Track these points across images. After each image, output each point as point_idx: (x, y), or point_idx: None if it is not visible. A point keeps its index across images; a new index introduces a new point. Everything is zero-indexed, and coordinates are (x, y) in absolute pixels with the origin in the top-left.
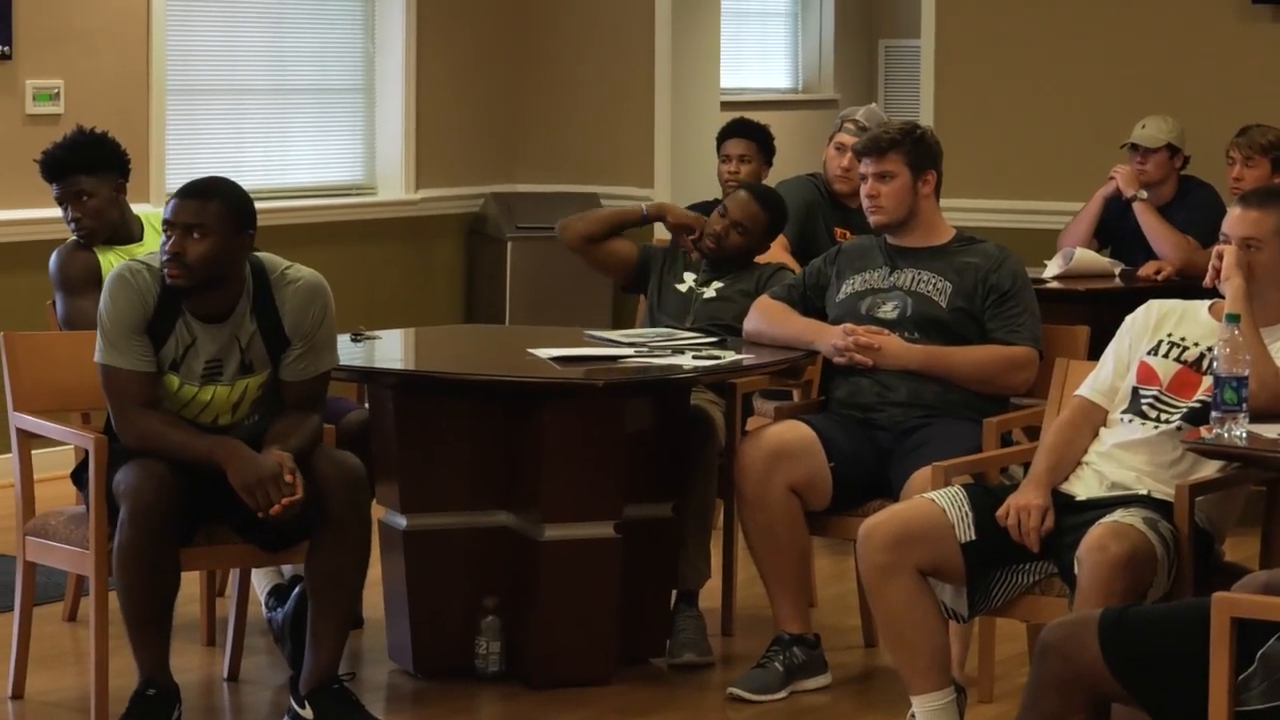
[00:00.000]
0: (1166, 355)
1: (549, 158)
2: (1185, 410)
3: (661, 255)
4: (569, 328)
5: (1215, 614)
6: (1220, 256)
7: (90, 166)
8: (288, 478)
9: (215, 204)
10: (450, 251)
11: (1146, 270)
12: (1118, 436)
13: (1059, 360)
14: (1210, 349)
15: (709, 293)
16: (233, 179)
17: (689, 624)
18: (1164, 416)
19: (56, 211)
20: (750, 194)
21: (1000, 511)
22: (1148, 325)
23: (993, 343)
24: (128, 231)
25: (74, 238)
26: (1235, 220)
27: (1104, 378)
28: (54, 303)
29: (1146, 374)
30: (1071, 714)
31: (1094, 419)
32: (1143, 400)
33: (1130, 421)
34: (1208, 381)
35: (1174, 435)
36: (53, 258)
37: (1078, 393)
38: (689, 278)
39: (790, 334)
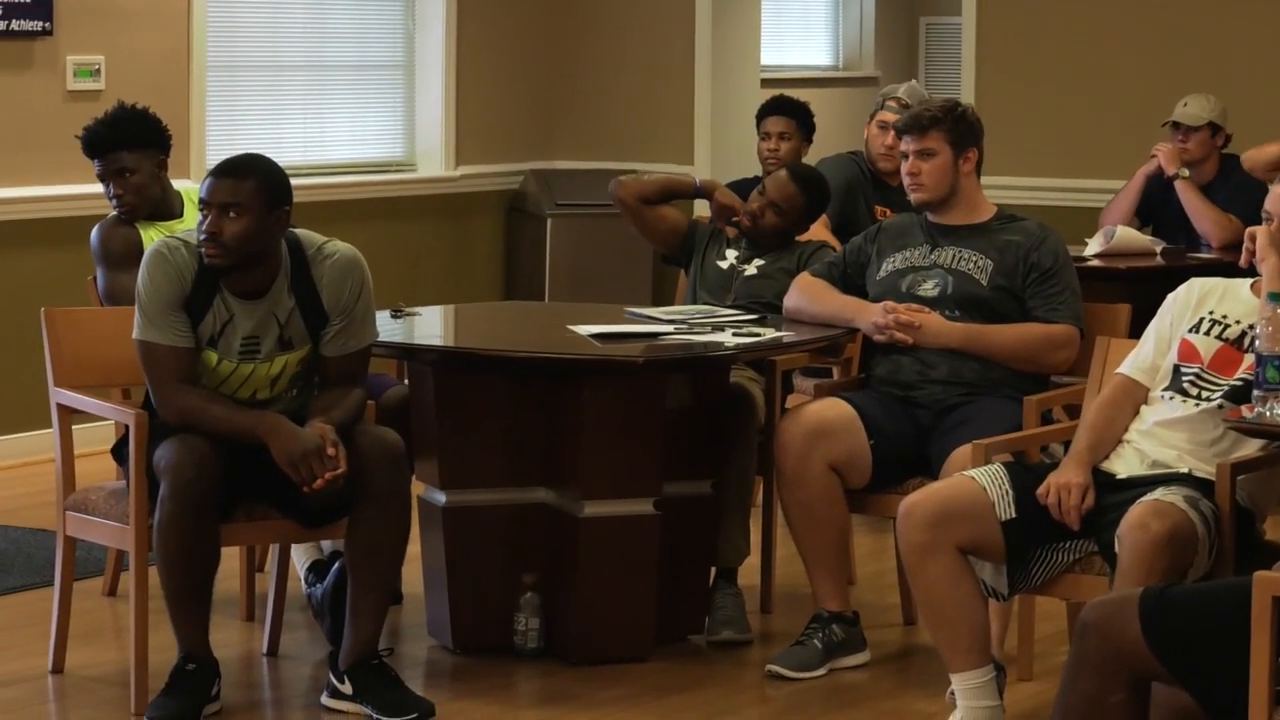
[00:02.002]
0: (1208, 333)
1: (589, 135)
2: (1226, 388)
3: (708, 232)
4: (609, 305)
5: (1256, 593)
6: (1253, 237)
7: (132, 142)
8: (330, 451)
9: (250, 182)
10: (490, 228)
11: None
12: (1159, 414)
13: (1100, 338)
14: (1252, 327)
15: (750, 270)
16: (269, 155)
17: (728, 601)
18: (1205, 394)
19: (98, 187)
20: (790, 175)
21: (1040, 490)
22: (1189, 303)
23: (1033, 321)
24: (168, 207)
25: (115, 213)
26: (1275, 197)
27: (1145, 355)
28: (95, 278)
29: (1188, 352)
30: (1111, 693)
31: (1135, 397)
32: (1184, 378)
33: (1171, 399)
34: (1249, 359)
35: (1215, 413)
36: (94, 232)
37: (1119, 370)
38: (730, 255)
39: (830, 311)
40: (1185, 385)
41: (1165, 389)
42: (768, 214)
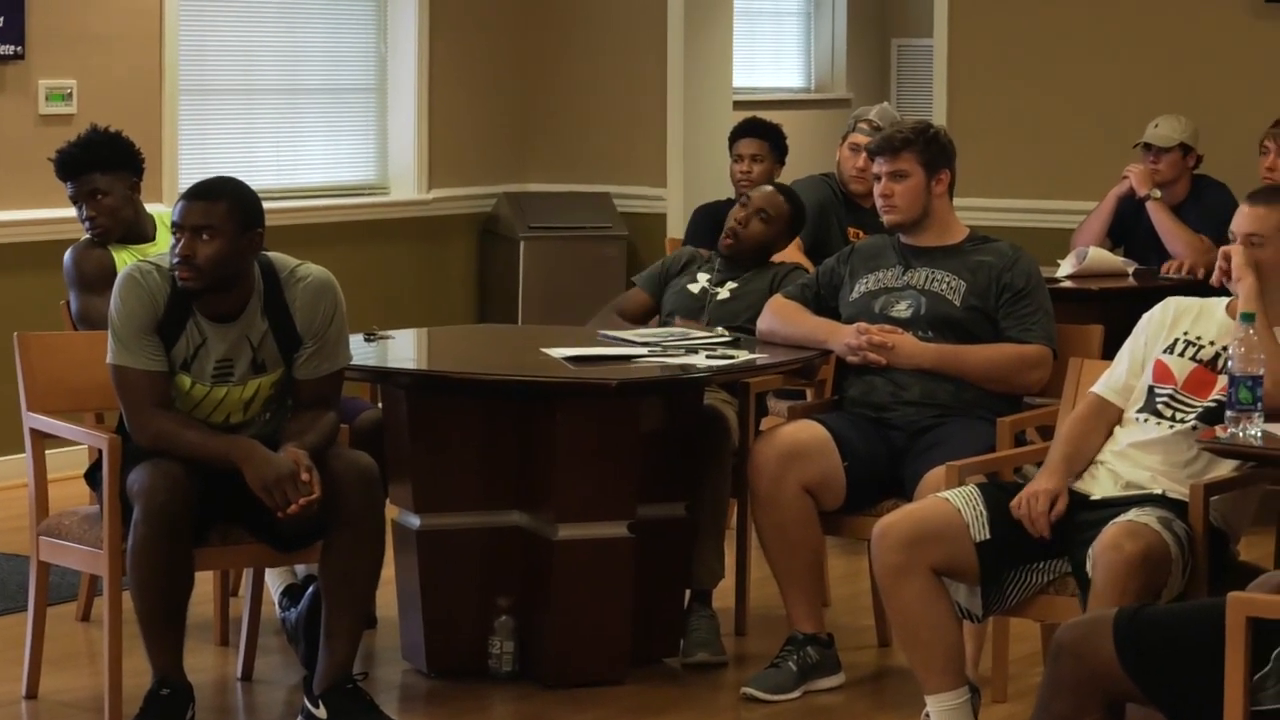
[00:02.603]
0: (1182, 354)
1: (561, 157)
2: (1200, 410)
3: (661, 273)
4: (582, 327)
5: (1230, 614)
6: (1227, 256)
7: (105, 165)
8: (304, 476)
9: (223, 204)
10: (463, 251)
11: (1169, 267)
12: (1133, 436)
13: (1072, 359)
14: (1225, 348)
15: (723, 294)
16: (241, 178)
17: (702, 623)
18: (1179, 415)
19: (71, 211)
20: (775, 188)
21: (1014, 502)
22: (1164, 323)
23: (1006, 341)
24: (141, 230)
25: (88, 236)
26: (1240, 217)
27: (1118, 376)
28: (68, 302)
29: (1162, 373)
30: (1086, 714)
31: (1108, 416)
32: (1158, 399)
33: (1145, 421)
34: (1223, 381)
35: (1189, 435)
36: (67, 256)
37: (1092, 390)
38: (702, 278)
39: (804, 333)
40: (1159, 406)
41: (1139, 410)
42: (753, 222)
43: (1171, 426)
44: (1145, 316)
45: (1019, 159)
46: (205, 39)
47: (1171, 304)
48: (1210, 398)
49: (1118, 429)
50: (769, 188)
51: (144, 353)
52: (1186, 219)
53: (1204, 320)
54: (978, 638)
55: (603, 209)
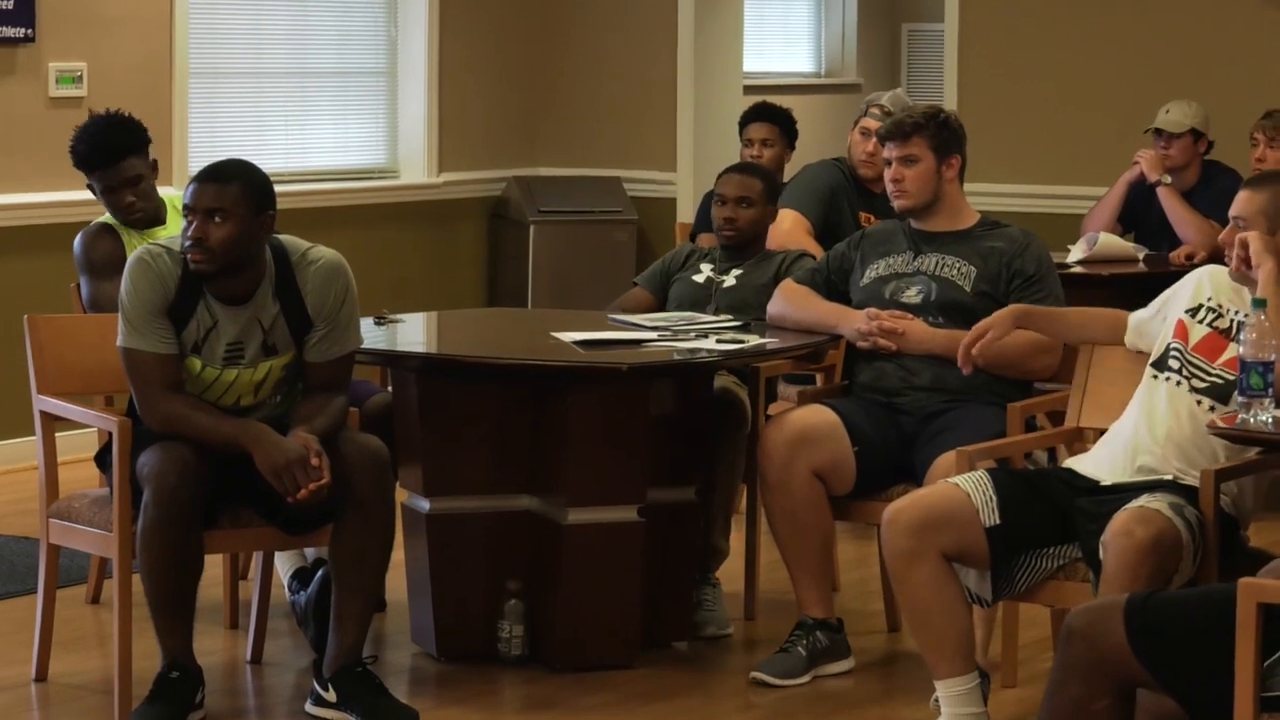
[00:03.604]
0: (1202, 321)
1: (571, 141)
2: (1209, 380)
3: (662, 271)
4: (593, 311)
5: (1241, 600)
6: (1245, 244)
7: (139, 148)
8: (314, 461)
9: (235, 187)
10: (472, 235)
11: (1178, 255)
12: (1144, 404)
13: (1083, 345)
14: (1240, 314)
15: (729, 281)
16: (253, 161)
17: (709, 593)
18: (1186, 372)
19: (80, 194)
20: (732, 171)
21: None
22: (1200, 286)
23: None
24: (155, 213)
25: (100, 220)
26: (1242, 201)
27: (1142, 314)
28: (78, 285)
29: (1180, 331)
30: (1096, 699)
31: (1116, 330)
32: (1170, 354)
33: (1156, 378)
34: (1233, 350)
35: (1200, 419)
36: (77, 241)
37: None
38: (706, 268)
39: (814, 318)
40: (1170, 360)
41: (1153, 364)
42: (740, 211)
43: (1179, 384)
44: (1187, 275)
45: (1030, 144)
46: (216, 22)
47: (1209, 272)
48: (1218, 363)
49: (1131, 404)
50: (729, 174)
51: (154, 335)
52: (1197, 205)
53: (1231, 290)
54: (987, 623)
55: (613, 193)
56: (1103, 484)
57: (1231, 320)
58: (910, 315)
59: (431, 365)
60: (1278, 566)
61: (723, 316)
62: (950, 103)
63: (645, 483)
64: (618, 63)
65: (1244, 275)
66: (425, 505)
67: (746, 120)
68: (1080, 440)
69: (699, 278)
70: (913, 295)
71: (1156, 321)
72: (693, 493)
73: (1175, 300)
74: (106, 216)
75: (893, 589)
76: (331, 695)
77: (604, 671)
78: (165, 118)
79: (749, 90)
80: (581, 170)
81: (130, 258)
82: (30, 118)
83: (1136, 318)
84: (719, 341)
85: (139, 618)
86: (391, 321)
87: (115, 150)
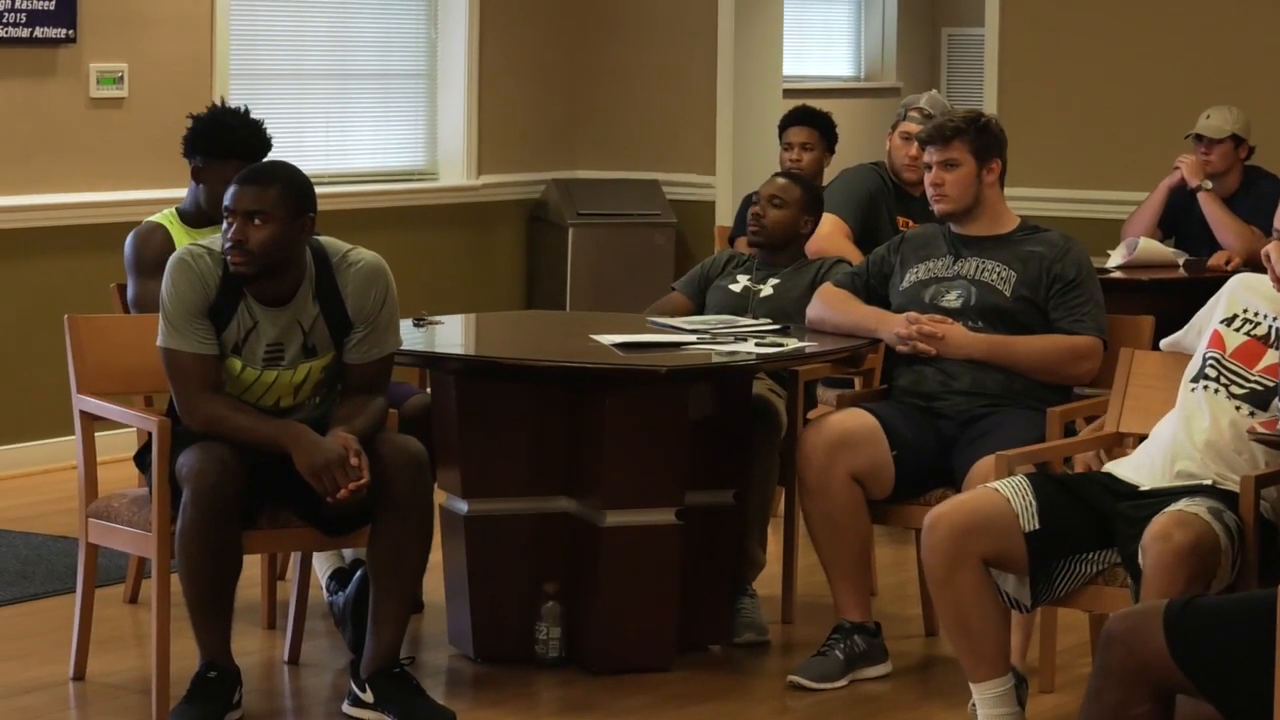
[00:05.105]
0: (1239, 329)
1: (610, 144)
2: (1247, 384)
3: (700, 277)
4: (631, 314)
5: None
6: (1269, 256)
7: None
8: (354, 461)
9: (275, 189)
10: (511, 237)
11: (1217, 260)
12: (1183, 413)
13: (1123, 350)
14: (1277, 319)
15: (766, 290)
16: (293, 163)
17: (746, 603)
18: (1224, 379)
19: (117, 194)
20: (777, 176)
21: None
22: (1234, 296)
23: (1057, 332)
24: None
25: (151, 219)
26: (1278, 213)
27: (1176, 336)
28: (118, 285)
29: (1216, 341)
30: (1136, 705)
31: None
32: (1207, 363)
33: (1194, 390)
34: (1272, 356)
35: (1240, 425)
36: (129, 239)
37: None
38: (742, 279)
39: (853, 322)
40: (1207, 369)
41: (1192, 379)
42: (769, 210)
43: (1217, 391)
44: (1216, 294)
45: (1070, 149)
46: (256, 23)
47: (1243, 280)
48: (1256, 369)
49: (1171, 413)
50: (774, 178)
51: (194, 336)
52: (1238, 210)
53: (1267, 298)
54: (1025, 628)
55: (651, 196)
56: (1142, 489)
57: (1270, 327)
58: (950, 319)
59: (470, 367)
60: None
61: (762, 320)
62: (990, 107)
63: (683, 485)
64: (657, 65)
65: None
66: (463, 507)
67: (786, 124)
68: (1120, 445)
69: (735, 287)
70: (952, 299)
71: (1191, 336)
72: (731, 496)
73: (1208, 315)
74: (158, 216)
75: (931, 594)
76: (369, 696)
77: (640, 674)
78: None
79: (788, 94)
80: (620, 173)
81: (171, 258)
82: (71, 118)
83: (1168, 342)
84: (758, 345)
85: (177, 617)
86: (431, 323)
87: (256, 148)
